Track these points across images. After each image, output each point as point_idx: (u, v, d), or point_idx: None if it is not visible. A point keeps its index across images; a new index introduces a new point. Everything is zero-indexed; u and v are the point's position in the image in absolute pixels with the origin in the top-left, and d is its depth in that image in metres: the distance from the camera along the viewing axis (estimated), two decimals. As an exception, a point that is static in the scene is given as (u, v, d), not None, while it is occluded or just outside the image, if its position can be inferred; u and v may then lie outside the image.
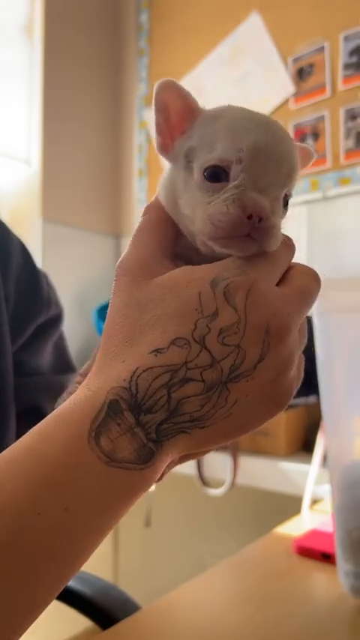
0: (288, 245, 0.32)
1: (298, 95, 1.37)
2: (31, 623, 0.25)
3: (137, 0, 1.76)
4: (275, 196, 0.30)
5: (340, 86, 1.29)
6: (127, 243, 0.32)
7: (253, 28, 1.44)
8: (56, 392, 0.54)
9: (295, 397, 0.31)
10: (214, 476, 1.15)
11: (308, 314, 0.32)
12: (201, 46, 1.56)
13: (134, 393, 0.26)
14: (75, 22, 1.66)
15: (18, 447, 0.26)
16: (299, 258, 0.32)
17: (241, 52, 1.48)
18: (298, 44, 1.37)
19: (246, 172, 0.29)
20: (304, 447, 1.11)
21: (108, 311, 0.30)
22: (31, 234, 1.51)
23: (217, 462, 1.12)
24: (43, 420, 0.27)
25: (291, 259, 0.32)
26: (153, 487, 0.28)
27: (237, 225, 0.28)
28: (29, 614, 0.24)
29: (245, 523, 1.36)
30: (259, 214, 0.28)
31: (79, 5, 1.68)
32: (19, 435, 0.27)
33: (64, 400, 0.28)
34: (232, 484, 1.09)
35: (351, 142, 1.27)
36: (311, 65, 1.34)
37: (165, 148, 0.33)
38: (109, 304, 0.30)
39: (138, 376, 0.26)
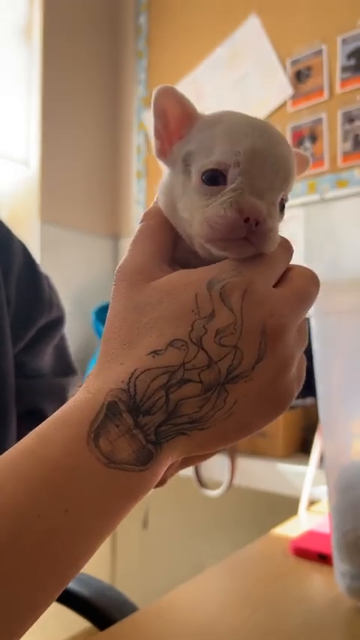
0: (285, 247, 0.32)
1: (296, 98, 1.37)
2: (31, 624, 0.25)
3: (136, 2, 1.76)
4: (272, 200, 0.30)
5: (338, 89, 1.30)
6: (125, 245, 0.33)
7: (252, 30, 1.45)
8: (57, 394, 0.54)
9: (293, 398, 0.31)
10: (212, 477, 1.15)
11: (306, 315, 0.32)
12: (200, 48, 1.56)
13: (132, 395, 0.26)
14: (74, 24, 1.67)
15: (18, 449, 0.26)
16: (296, 260, 0.32)
17: (239, 55, 1.48)
18: (296, 47, 1.37)
19: (243, 176, 0.29)
20: (302, 448, 1.12)
21: (107, 315, 0.30)
22: (29, 236, 1.50)
23: (215, 463, 1.12)
24: (42, 423, 0.27)
25: (289, 261, 0.32)
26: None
27: (234, 228, 0.29)
28: (29, 616, 0.24)
29: (242, 524, 1.36)
30: (256, 217, 0.28)
31: (77, 7, 1.68)
32: (19, 437, 0.27)
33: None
34: (230, 485, 1.09)
35: (348, 145, 1.28)
36: (309, 68, 1.35)
37: (163, 153, 0.34)
38: (109, 308, 0.30)
39: (136, 378, 0.27)
